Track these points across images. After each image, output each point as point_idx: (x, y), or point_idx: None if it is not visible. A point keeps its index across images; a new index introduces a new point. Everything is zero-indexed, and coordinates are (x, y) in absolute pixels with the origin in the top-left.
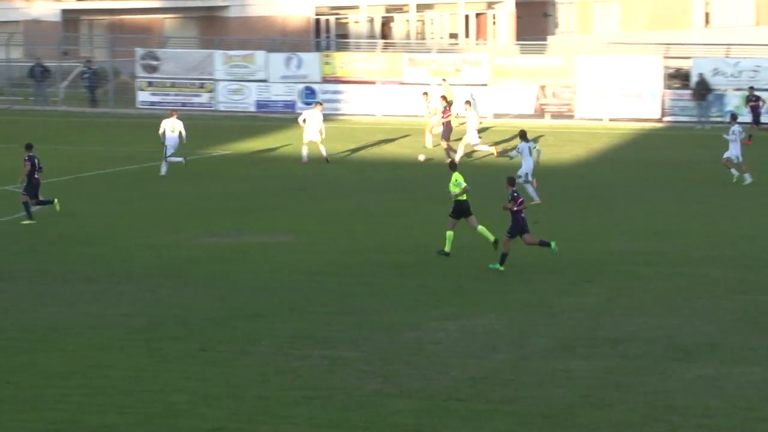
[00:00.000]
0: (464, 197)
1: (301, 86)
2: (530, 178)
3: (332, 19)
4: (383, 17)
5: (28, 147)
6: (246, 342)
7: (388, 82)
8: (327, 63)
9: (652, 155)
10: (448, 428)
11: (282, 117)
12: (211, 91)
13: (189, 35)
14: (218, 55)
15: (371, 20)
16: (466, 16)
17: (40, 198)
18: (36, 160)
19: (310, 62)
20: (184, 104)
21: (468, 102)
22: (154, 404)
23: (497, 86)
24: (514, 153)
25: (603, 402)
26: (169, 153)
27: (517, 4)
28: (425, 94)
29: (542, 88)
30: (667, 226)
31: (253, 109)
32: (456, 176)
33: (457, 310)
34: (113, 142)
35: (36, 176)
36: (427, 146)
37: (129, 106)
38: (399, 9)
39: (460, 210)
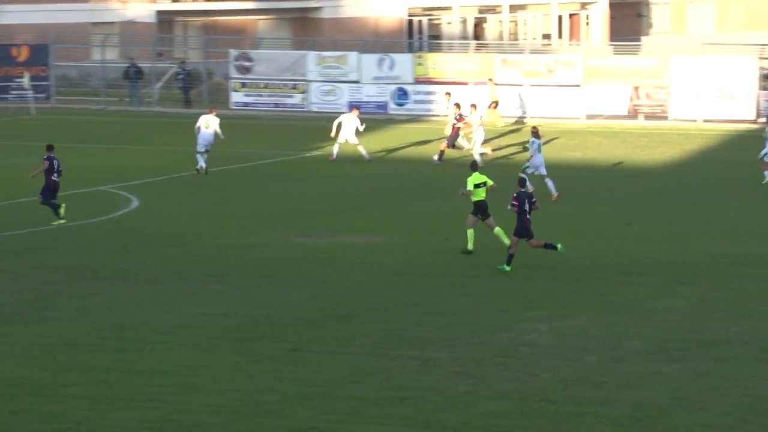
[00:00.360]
0: (482, 197)
1: (394, 87)
2: (544, 172)
3: (425, 20)
4: (476, 18)
5: (49, 148)
6: (338, 342)
7: (480, 83)
8: (419, 64)
9: (746, 156)
10: (539, 430)
11: (374, 118)
12: (303, 92)
13: (282, 36)
14: (311, 56)
15: (464, 21)
16: (559, 17)
17: (52, 200)
18: (55, 162)
19: (403, 63)
20: (276, 105)
21: (473, 105)
22: (246, 403)
23: (590, 87)
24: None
25: (696, 405)
26: (199, 150)
27: (611, 5)
28: (447, 94)
29: (636, 89)
30: (761, 227)
31: (345, 110)
32: (470, 178)
33: (549, 311)
34: None
35: (54, 178)
36: (466, 147)
37: (222, 107)
38: (492, 10)
39: (480, 209)
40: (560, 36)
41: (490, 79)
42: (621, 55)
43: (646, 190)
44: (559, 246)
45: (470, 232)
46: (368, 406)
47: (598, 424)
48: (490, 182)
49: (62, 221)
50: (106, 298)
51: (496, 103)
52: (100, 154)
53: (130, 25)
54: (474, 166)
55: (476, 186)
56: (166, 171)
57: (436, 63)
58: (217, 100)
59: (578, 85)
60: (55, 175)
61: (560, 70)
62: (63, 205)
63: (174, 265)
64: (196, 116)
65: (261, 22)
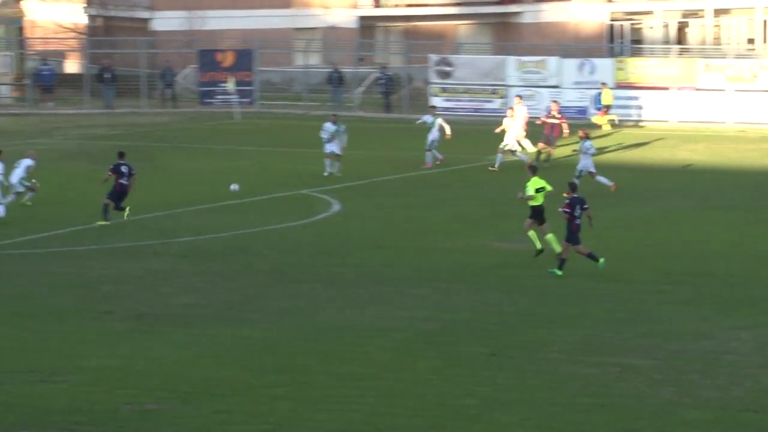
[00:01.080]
0: (539, 202)
1: (594, 92)
2: (582, 175)
3: (626, 24)
4: (679, 22)
5: (120, 155)
6: (536, 347)
7: (683, 87)
8: (620, 68)
9: None
10: None
11: (574, 123)
12: (503, 97)
13: (482, 41)
14: (511, 61)
15: (666, 25)
16: (765, 21)
17: (120, 204)
18: (123, 168)
19: (604, 68)
20: (476, 110)
21: (511, 107)
22: (444, 408)
23: None
24: (592, 150)
25: None
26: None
27: None
28: (518, 97)
29: None
30: None
31: (544, 114)
32: (530, 182)
33: (752, 319)
34: (407, 148)
35: (122, 182)
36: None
37: (423, 112)
38: (695, 14)
39: (536, 214)
40: (765, 41)
41: (604, 84)
42: None
43: None
44: (601, 260)
45: (532, 234)
46: (566, 413)
47: None
48: (549, 187)
49: (106, 223)
50: (307, 301)
51: (609, 106)
52: (303, 158)
53: (332, 30)
54: (533, 170)
55: (536, 191)
56: (366, 175)
57: (637, 67)
58: (417, 105)
59: None
60: (125, 179)
61: (765, 75)
62: (128, 208)
63: (373, 268)
64: (397, 121)
65: (461, 27)
